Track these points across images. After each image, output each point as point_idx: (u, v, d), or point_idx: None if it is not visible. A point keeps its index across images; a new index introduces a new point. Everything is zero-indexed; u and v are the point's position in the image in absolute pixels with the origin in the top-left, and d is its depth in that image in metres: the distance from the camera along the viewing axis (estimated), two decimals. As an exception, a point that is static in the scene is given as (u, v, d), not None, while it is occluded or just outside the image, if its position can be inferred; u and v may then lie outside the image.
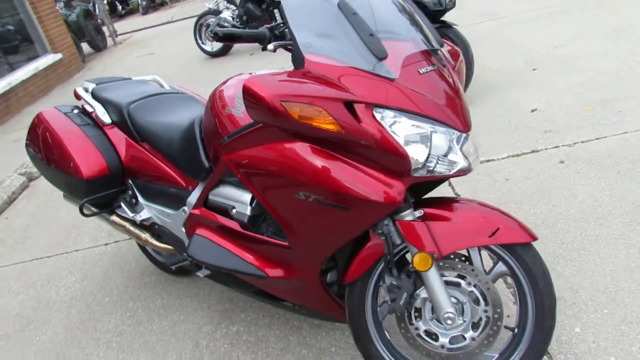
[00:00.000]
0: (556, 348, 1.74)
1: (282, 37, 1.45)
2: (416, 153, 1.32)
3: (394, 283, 1.52)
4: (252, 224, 1.67)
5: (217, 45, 7.17)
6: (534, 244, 1.83)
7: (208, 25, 7.10)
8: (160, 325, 2.30)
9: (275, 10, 6.58)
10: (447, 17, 3.87)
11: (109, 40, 10.65)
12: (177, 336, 2.21)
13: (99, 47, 10.11)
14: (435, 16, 3.60)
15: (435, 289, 1.48)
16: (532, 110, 3.42)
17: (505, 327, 1.65)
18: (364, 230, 1.45)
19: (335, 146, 1.35)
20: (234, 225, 1.70)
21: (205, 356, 2.07)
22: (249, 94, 1.27)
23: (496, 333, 1.53)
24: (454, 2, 3.54)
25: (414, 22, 1.49)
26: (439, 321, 1.53)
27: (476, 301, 1.53)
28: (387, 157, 1.31)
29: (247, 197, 1.65)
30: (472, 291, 1.53)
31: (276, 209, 1.51)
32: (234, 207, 1.70)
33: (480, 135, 3.27)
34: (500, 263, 1.54)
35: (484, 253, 1.58)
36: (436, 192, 1.75)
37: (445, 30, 3.54)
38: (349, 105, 1.28)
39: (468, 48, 3.47)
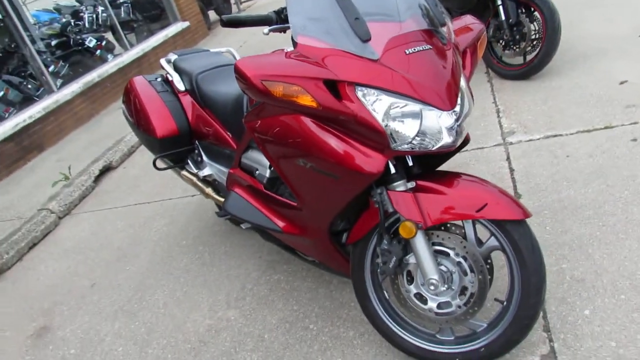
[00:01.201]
0: (559, 327, 1.75)
1: (287, 20, 1.60)
2: (400, 129, 1.42)
3: (386, 247, 1.65)
4: (271, 185, 1.90)
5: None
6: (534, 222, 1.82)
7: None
8: (219, 268, 2.66)
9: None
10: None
11: (234, 8, 11.34)
12: (230, 278, 2.55)
13: (224, 14, 10.83)
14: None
15: (420, 255, 1.59)
16: (622, 83, 3.15)
17: (496, 299, 1.72)
18: (353, 197, 1.59)
19: (326, 120, 1.50)
20: (259, 185, 1.94)
21: (247, 297, 2.38)
22: (238, 74, 1.46)
23: (480, 303, 1.61)
24: (543, -33, 3.31)
25: (414, 1, 1.55)
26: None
27: (465, 272, 1.61)
28: (367, 131, 1.44)
29: (266, 161, 1.87)
30: (460, 262, 1.61)
31: (284, 173, 1.71)
32: (257, 169, 1.94)
33: (554, 108, 3.11)
34: (492, 238, 1.60)
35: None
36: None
37: (531, -5, 3.35)
38: (332, 83, 1.42)
39: (554, 15, 3.25)
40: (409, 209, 1.55)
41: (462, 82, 1.55)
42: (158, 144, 2.51)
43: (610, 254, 1.97)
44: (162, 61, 2.73)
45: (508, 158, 2.78)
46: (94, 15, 8.22)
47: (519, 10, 3.45)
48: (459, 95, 1.51)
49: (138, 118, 2.59)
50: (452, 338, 1.72)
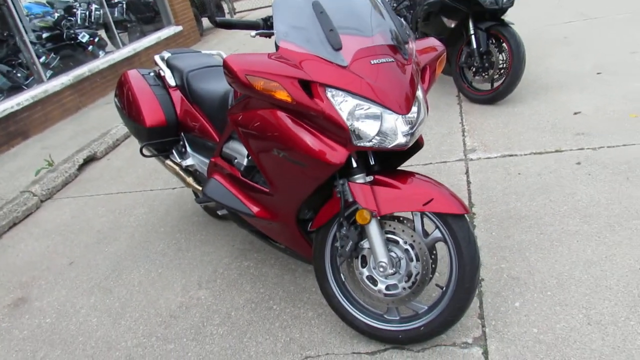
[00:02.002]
0: (492, 315, 1.99)
1: (272, 27, 1.84)
2: (363, 128, 1.66)
3: (344, 233, 1.87)
4: (247, 173, 2.12)
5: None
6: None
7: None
8: (193, 253, 2.85)
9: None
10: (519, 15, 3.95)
11: (227, 17, 11.61)
12: (203, 263, 2.74)
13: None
14: (494, 15, 3.73)
15: (373, 240, 1.81)
16: (575, 113, 3.46)
17: (437, 285, 1.95)
18: (318, 184, 1.81)
19: (300, 115, 1.73)
20: (236, 173, 2.15)
21: (218, 279, 2.57)
22: (226, 68, 1.69)
23: (422, 286, 1.84)
24: (512, 2, 3.64)
25: (383, 21, 1.81)
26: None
27: (411, 258, 1.84)
28: (332, 127, 1.67)
29: (245, 151, 2.09)
30: (407, 249, 1.84)
31: (260, 161, 1.93)
32: (236, 158, 2.15)
33: (513, 131, 3.41)
34: (436, 230, 1.83)
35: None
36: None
37: (501, 29, 3.66)
38: (305, 83, 1.65)
39: (520, 48, 3.56)
40: (365, 198, 1.78)
41: (419, 93, 1.80)
42: (146, 132, 2.70)
43: (544, 257, 2.22)
44: (156, 57, 2.94)
45: (467, 172, 3.04)
46: (87, 13, 8.38)
47: (489, 41, 3.77)
48: (415, 103, 1.76)
49: (129, 108, 2.79)
50: (398, 318, 1.94)
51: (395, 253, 1.86)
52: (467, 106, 4.00)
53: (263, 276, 2.53)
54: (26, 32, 6.43)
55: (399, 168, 2.04)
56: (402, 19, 4.74)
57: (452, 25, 3.89)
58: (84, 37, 7.65)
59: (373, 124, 1.67)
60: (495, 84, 3.86)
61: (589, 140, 3.08)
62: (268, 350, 2.06)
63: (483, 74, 3.86)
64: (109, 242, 3.18)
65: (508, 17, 3.89)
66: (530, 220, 2.49)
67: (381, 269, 1.82)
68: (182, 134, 2.80)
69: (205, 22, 11.00)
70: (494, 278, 2.18)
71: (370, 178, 1.82)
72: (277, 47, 1.72)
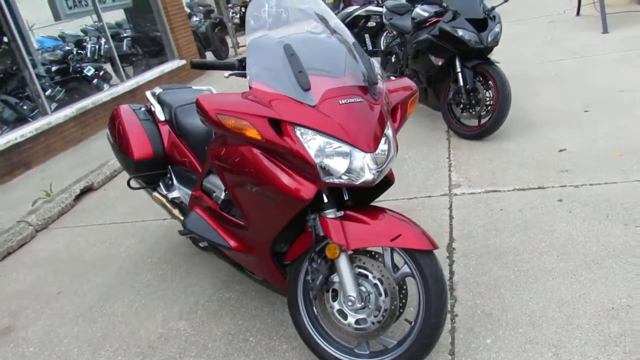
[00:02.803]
0: (462, 352, 1.99)
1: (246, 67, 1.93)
2: (331, 165, 1.72)
3: (315, 266, 1.91)
4: (225, 206, 2.17)
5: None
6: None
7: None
8: (177, 284, 2.88)
9: (366, 35, 7.06)
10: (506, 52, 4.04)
11: (231, 51, 11.90)
12: (186, 294, 2.77)
13: (221, 56, 11.37)
14: (480, 53, 3.83)
15: (343, 275, 1.85)
16: (561, 150, 3.51)
17: (406, 319, 1.97)
18: (289, 218, 1.86)
19: (272, 152, 1.80)
20: (215, 206, 2.21)
21: (199, 311, 2.60)
22: (198, 107, 1.76)
23: (391, 321, 1.86)
24: (497, 41, 3.74)
25: (354, 63, 1.89)
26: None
27: (380, 293, 1.87)
28: (301, 164, 1.73)
29: (222, 185, 2.15)
30: (376, 284, 1.87)
31: (235, 195, 1.99)
32: (214, 192, 2.21)
33: (499, 167, 3.46)
34: (405, 265, 1.86)
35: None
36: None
37: (487, 67, 3.75)
38: (276, 122, 1.72)
39: (505, 85, 3.65)
40: (335, 233, 1.82)
41: (389, 132, 1.86)
42: (134, 165, 2.78)
43: (519, 294, 2.24)
44: (148, 93, 3.04)
45: (450, 207, 3.08)
46: (97, 46, 8.65)
47: (476, 79, 3.86)
48: (386, 142, 1.82)
49: (120, 141, 2.88)
50: (367, 352, 1.96)
51: (365, 287, 1.89)
52: (456, 141, 4.06)
53: (243, 308, 2.55)
54: (34, 67, 6.65)
55: (372, 204, 2.10)
56: (394, 56, 4.88)
57: (440, 63, 3.98)
58: (89, 70, 7.87)
59: (341, 161, 1.72)
60: (483, 121, 3.93)
61: (572, 178, 3.12)
62: (241, 384, 2.07)
63: (470, 111, 3.94)
64: (98, 272, 3.22)
65: (496, 55, 4.00)
66: (508, 257, 2.51)
67: (350, 303, 1.85)
68: (170, 166, 2.87)
69: (209, 55, 11.26)
70: (468, 314, 2.19)
71: (340, 213, 1.87)
72: (250, 87, 1.80)
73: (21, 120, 6.17)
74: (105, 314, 2.75)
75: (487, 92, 3.85)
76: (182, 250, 3.25)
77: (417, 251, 1.80)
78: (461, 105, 3.98)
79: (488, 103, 3.86)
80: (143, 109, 3.03)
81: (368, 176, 1.76)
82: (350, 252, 1.85)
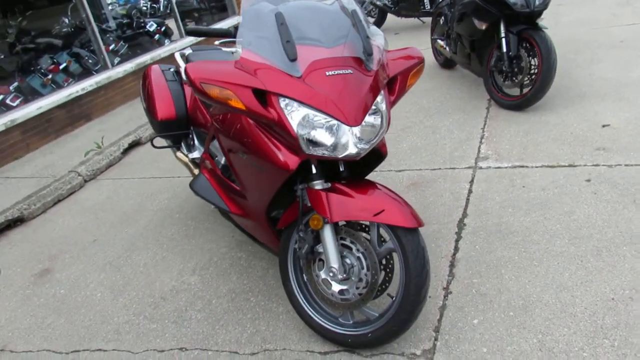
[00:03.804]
0: (448, 329, 1.98)
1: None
2: (315, 138, 1.72)
3: (302, 235, 1.95)
4: (225, 170, 2.24)
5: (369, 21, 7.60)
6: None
7: (363, 2, 7.57)
8: (197, 240, 3.03)
9: (425, -2, 6.75)
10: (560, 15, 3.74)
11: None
12: (203, 251, 2.91)
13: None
14: (529, 17, 3.57)
15: (326, 245, 1.87)
16: (604, 126, 3.27)
17: (388, 294, 1.98)
18: (277, 187, 1.89)
19: (260, 123, 1.82)
20: (217, 170, 2.28)
21: (211, 267, 2.74)
22: (186, 75, 1.80)
23: (371, 294, 1.88)
24: (546, 4, 3.47)
25: (350, 32, 1.84)
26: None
27: (362, 266, 1.88)
28: (285, 135, 1.74)
29: (222, 150, 2.21)
30: (359, 257, 1.88)
31: (231, 162, 2.05)
32: (216, 156, 2.27)
33: (532, 141, 3.28)
34: (390, 241, 1.86)
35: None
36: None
37: (532, 33, 3.50)
38: (261, 92, 1.73)
39: (550, 54, 3.40)
40: (319, 204, 1.84)
41: (382, 105, 1.82)
42: (158, 125, 2.90)
43: (518, 276, 2.17)
44: (177, 54, 3.12)
45: (472, 181, 2.98)
46: (167, 1, 8.89)
47: (520, 45, 3.62)
48: (377, 115, 1.79)
49: (147, 101, 3.00)
50: (350, 322, 2.00)
51: (349, 259, 1.91)
52: (495, 111, 3.87)
53: (250, 268, 2.65)
54: (105, 21, 6.94)
55: (369, 177, 2.08)
56: (442, 17, 4.65)
57: (483, 27, 3.76)
58: (151, 26, 8.13)
59: (323, 133, 1.72)
60: (525, 90, 3.71)
61: (607, 157, 2.91)
62: (234, 340, 2.19)
63: (512, 79, 3.72)
64: (130, 223, 3.45)
65: (562, 16, 3.71)
66: (517, 237, 2.42)
67: (331, 274, 1.88)
68: (192, 128, 2.97)
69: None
70: (462, 292, 2.16)
71: (327, 185, 1.88)
72: (239, 55, 1.81)
73: (87, 73, 6.53)
74: (129, 264, 2.95)
75: (533, 60, 3.61)
76: (208, 208, 3.39)
77: (400, 228, 1.78)
78: (503, 73, 3.76)
79: (532, 72, 3.62)
80: (172, 69, 3.12)
81: (352, 150, 1.74)
82: (334, 223, 1.87)
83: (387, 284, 1.99)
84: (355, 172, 2.07)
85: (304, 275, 2.10)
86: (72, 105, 5.98)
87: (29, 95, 5.98)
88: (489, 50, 3.84)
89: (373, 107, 1.80)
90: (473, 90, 4.38)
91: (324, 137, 1.72)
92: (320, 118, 1.71)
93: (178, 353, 2.19)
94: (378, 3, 7.18)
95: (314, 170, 1.87)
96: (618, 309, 1.89)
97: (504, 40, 3.64)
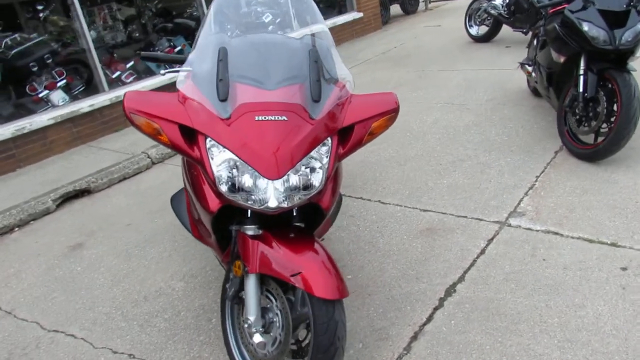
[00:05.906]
0: (368, 413, 1.78)
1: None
2: (233, 182, 1.63)
3: (231, 277, 1.88)
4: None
5: (482, 30, 7.06)
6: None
7: (478, 9, 7.03)
8: (202, 246, 3.08)
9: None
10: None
11: (421, 6, 11.34)
12: (202, 257, 2.98)
13: (407, 10, 10.95)
14: (621, 55, 3.00)
15: (248, 295, 1.78)
16: (683, 200, 2.66)
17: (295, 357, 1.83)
18: (210, 224, 1.84)
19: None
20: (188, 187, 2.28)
21: (199, 276, 2.79)
22: (123, 103, 1.79)
23: (283, 354, 1.75)
24: (637, 41, 2.88)
25: (299, 74, 1.70)
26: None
27: (279, 324, 1.76)
28: (207, 176, 1.67)
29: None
30: (277, 314, 1.76)
31: (186, 191, 2.03)
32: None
33: (585, 203, 2.77)
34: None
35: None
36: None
37: (614, 73, 2.95)
38: (187, 128, 1.67)
39: (632, 101, 2.83)
40: (244, 252, 1.76)
41: (321, 158, 1.66)
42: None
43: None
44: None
45: (492, 239, 2.62)
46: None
47: (600, 86, 3.07)
48: (316, 169, 1.65)
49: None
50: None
51: (271, 314, 1.80)
52: (562, 158, 3.35)
53: (230, 287, 2.63)
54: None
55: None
56: (535, 40, 4.11)
57: (561, 60, 3.25)
58: (267, 17, 8.39)
59: (240, 181, 1.62)
60: (599, 139, 3.15)
61: (664, 242, 2.36)
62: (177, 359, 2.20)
63: (587, 124, 3.18)
64: (163, 214, 3.63)
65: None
66: (503, 322, 2.08)
67: (246, 325, 1.79)
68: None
69: (395, 9, 10.92)
70: (407, 373, 1.92)
71: (259, 232, 1.78)
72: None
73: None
74: (140, 255, 3.12)
75: (613, 105, 3.04)
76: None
77: (316, 297, 1.63)
78: (577, 116, 3.23)
79: (611, 119, 3.06)
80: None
81: (272, 202, 1.62)
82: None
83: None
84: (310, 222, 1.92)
85: (240, 316, 2.03)
86: (174, 87, 6.42)
87: (143, 74, 6.55)
88: (567, 87, 3.32)
89: (307, 159, 1.65)
90: (551, 128, 3.83)
91: (245, 185, 1.62)
92: (239, 166, 1.61)
93: (126, 359, 2.26)
94: (493, 12, 6.60)
95: (249, 215, 1.78)
96: None
97: (581, 78, 3.12)
